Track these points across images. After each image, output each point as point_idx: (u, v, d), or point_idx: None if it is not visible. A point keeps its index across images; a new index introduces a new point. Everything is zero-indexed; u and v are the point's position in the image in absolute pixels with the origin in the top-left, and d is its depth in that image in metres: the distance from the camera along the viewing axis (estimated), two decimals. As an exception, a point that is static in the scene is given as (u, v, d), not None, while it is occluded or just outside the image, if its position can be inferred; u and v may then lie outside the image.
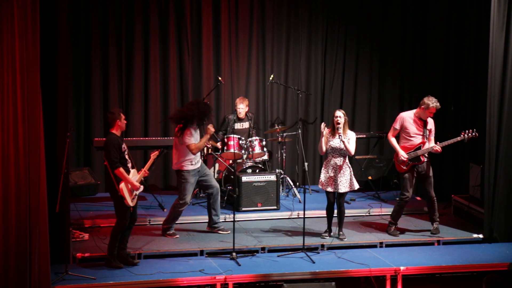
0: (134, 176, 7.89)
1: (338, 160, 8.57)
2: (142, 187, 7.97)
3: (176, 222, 8.97)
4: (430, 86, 10.92)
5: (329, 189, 8.63)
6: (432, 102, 8.72)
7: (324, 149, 8.61)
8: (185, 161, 8.69)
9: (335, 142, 8.55)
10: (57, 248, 7.58)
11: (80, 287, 7.20)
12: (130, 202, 7.81)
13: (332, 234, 8.79)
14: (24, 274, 6.95)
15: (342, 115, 8.56)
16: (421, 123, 8.84)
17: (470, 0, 10.64)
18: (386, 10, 11.65)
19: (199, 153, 8.84)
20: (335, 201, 8.72)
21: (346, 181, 8.55)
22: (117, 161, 7.73)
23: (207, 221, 9.08)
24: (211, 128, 8.73)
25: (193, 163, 8.73)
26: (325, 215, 8.88)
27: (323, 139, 8.60)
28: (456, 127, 10.69)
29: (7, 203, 6.92)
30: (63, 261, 7.56)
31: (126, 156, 7.89)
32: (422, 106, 8.78)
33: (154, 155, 8.18)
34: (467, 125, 10.39)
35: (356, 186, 8.67)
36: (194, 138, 8.67)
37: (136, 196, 7.94)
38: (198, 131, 8.81)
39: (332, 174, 8.59)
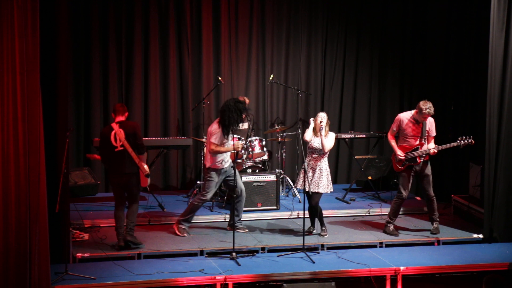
0: None
1: (316, 160, 8.60)
2: None
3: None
4: (430, 86, 10.94)
5: (307, 189, 8.61)
6: (425, 108, 8.66)
7: (308, 138, 8.65)
8: (215, 160, 8.74)
9: (316, 142, 8.59)
10: (57, 248, 7.58)
11: (80, 287, 7.20)
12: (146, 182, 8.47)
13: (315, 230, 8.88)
14: (24, 274, 6.95)
15: (325, 116, 8.66)
16: (419, 125, 8.84)
17: (470, 0, 10.64)
18: (386, 10, 11.65)
19: (228, 154, 8.80)
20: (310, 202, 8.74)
21: (319, 182, 8.58)
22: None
23: (228, 220, 9.29)
24: (239, 145, 8.73)
25: (223, 163, 8.76)
26: (324, 216, 8.90)
27: (310, 129, 8.67)
28: (456, 127, 10.70)
29: (7, 203, 6.92)
30: (63, 261, 7.56)
31: None
32: (416, 110, 8.80)
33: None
34: (467, 125, 10.42)
35: (330, 189, 8.64)
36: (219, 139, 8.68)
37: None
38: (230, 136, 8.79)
39: (309, 174, 8.62)
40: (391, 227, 9.01)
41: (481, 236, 9.01)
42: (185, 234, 8.83)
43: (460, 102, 10.94)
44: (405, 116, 8.93)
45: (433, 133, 8.90)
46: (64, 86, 7.68)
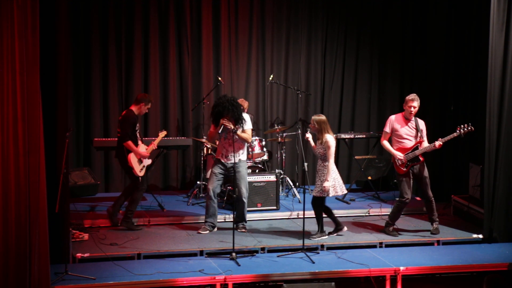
0: (141, 148, 9.02)
1: (318, 165, 8.65)
2: (150, 161, 9.19)
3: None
4: (430, 86, 10.93)
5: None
6: (409, 97, 8.80)
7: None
8: (217, 151, 9.05)
9: (316, 148, 8.67)
10: (57, 248, 7.57)
11: (80, 287, 7.20)
12: (138, 172, 8.93)
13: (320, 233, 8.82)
14: (24, 274, 6.95)
15: (313, 123, 8.63)
16: (408, 122, 8.81)
17: (470, 0, 10.64)
18: (386, 10, 11.66)
19: (230, 150, 8.84)
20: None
21: (318, 186, 8.61)
22: (128, 135, 8.83)
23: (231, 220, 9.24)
24: (221, 121, 8.77)
25: (222, 156, 8.92)
26: (324, 216, 8.89)
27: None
28: (455, 127, 10.68)
29: (7, 203, 6.91)
30: (63, 261, 7.55)
31: (138, 134, 9.00)
32: (404, 104, 8.86)
33: (162, 133, 9.42)
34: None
35: (332, 193, 8.59)
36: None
37: (144, 168, 9.06)
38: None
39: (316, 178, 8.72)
40: (391, 228, 9.00)
41: (481, 236, 9.00)
42: (206, 232, 8.92)
43: (460, 102, 10.93)
44: (396, 117, 8.94)
45: (424, 137, 8.88)
46: (64, 86, 7.68)
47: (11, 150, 6.89)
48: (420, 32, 11.36)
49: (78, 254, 7.98)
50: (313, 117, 8.69)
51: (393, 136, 8.93)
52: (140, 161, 8.99)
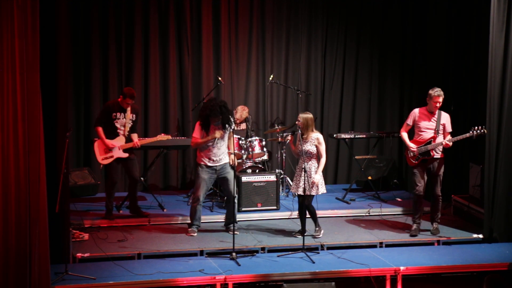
0: (118, 141, 9.18)
1: (305, 163, 8.55)
2: (125, 154, 9.21)
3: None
4: (430, 86, 10.90)
5: (299, 192, 8.70)
6: (434, 91, 8.80)
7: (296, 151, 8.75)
8: (201, 156, 8.83)
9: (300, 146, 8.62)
10: (57, 248, 7.58)
11: (80, 287, 7.20)
12: (99, 159, 9.19)
13: (307, 233, 8.77)
14: (24, 274, 6.95)
15: (300, 119, 8.60)
16: (432, 116, 8.84)
17: (470, 0, 10.64)
18: (386, 10, 11.66)
19: (221, 151, 8.84)
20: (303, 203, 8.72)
21: (307, 184, 8.56)
22: (99, 122, 9.17)
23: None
24: (216, 133, 8.74)
25: (211, 159, 8.81)
26: (324, 215, 8.88)
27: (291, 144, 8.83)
28: (456, 127, 10.66)
29: (7, 203, 6.92)
30: (63, 261, 7.56)
31: (117, 124, 9.18)
32: (427, 98, 8.86)
33: (162, 137, 9.53)
34: (466, 125, 10.40)
35: (321, 191, 8.62)
36: (200, 133, 8.80)
37: (112, 158, 9.15)
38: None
39: (298, 177, 8.69)
40: (413, 226, 8.99)
41: (481, 236, 9.00)
42: (195, 234, 8.86)
43: (460, 102, 10.93)
44: (420, 110, 8.97)
45: (449, 129, 8.91)
46: (64, 86, 7.69)
47: (11, 150, 6.90)
48: (420, 32, 11.37)
49: (78, 254, 7.99)
50: (300, 114, 8.68)
51: (415, 128, 8.99)
52: (108, 150, 9.16)
